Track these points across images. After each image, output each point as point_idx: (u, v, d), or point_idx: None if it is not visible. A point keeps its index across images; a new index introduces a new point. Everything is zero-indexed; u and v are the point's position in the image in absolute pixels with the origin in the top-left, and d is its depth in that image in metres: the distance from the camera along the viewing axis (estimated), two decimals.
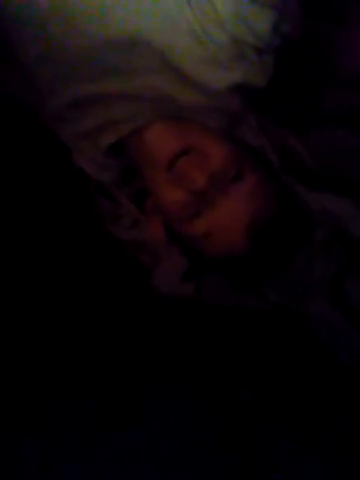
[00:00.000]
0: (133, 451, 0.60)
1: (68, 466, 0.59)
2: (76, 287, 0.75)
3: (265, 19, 0.61)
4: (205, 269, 0.73)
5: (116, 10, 0.60)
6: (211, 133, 0.65)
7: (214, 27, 0.60)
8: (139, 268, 0.75)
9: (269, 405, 0.64)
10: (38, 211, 0.79)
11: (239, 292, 0.72)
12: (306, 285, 0.70)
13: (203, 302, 0.72)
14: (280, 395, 0.65)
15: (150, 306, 0.74)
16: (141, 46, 0.61)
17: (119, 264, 0.76)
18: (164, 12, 0.60)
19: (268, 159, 0.69)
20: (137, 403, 0.64)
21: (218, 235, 0.64)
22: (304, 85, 0.67)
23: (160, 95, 0.64)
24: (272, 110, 0.69)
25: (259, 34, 0.61)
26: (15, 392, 0.64)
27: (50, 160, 0.78)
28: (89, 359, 0.67)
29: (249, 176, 0.64)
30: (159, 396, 0.65)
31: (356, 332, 0.68)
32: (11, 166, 0.78)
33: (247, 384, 0.66)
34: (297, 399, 0.64)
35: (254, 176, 0.64)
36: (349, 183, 0.69)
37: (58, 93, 0.66)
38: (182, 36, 0.61)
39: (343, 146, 0.69)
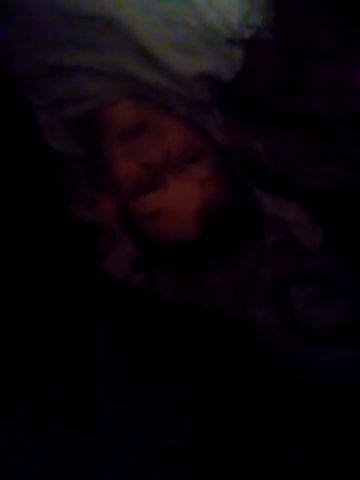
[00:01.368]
0: None
1: None
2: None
3: (235, 8, 0.61)
4: (155, 257, 0.75)
5: None
6: (173, 115, 0.65)
7: (186, 12, 0.61)
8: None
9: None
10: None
11: (188, 286, 0.74)
12: (251, 287, 0.71)
13: (155, 294, 0.74)
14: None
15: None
16: (113, 25, 0.61)
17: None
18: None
19: (228, 153, 0.69)
20: None
21: (166, 217, 0.65)
22: (272, 85, 0.64)
23: (128, 74, 0.63)
24: (237, 106, 0.68)
25: (229, 23, 0.61)
26: None
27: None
28: None
29: (206, 163, 0.64)
30: None
31: (291, 337, 0.69)
32: None
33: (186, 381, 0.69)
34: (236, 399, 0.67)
35: (210, 163, 0.65)
36: (302, 189, 0.68)
37: (24, 58, 0.65)
38: (154, 18, 0.61)
39: (303, 152, 0.66)
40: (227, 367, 0.69)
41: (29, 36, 0.64)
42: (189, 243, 0.65)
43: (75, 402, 0.63)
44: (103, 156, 0.69)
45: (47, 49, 0.64)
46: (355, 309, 0.68)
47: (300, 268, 0.69)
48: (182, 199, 0.63)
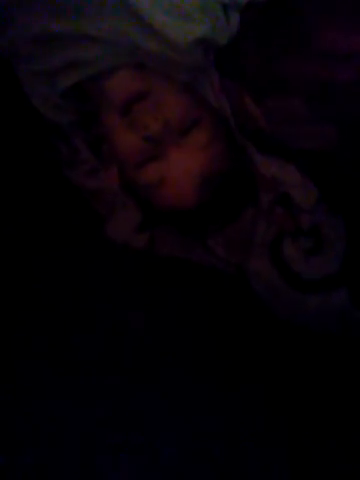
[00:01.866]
0: None
1: None
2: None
3: None
4: (158, 221, 0.78)
5: None
6: (171, 82, 0.65)
7: None
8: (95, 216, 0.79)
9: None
10: None
11: (189, 245, 0.78)
12: (249, 244, 0.76)
13: (155, 253, 0.78)
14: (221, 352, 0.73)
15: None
16: None
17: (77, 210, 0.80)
18: None
19: (225, 118, 0.70)
20: None
21: (169, 185, 0.67)
22: (266, 50, 0.65)
23: (125, 41, 0.63)
24: (232, 70, 0.69)
25: None
26: None
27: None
28: None
29: (204, 129, 0.66)
30: None
31: (292, 291, 0.75)
32: None
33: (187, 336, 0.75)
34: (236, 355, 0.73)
35: (209, 130, 0.66)
36: (297, 151, 0.71)
37: (16, 25, 0.64)
38: None
39: (296, 115, 0.69)
40: (227, 320, 0.74)
41: (22, 3, 0.62)
42: (192, 207, 0.68)
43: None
44: (102, 125, 0.70)
45: (41, 16, 0.62)
46: (345, 256, 0.74)
47: (294, 224, 0.74)
48: (183, 167, 0.65)
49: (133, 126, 0.63)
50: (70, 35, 0.63)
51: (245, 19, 0.64)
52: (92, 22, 0.62)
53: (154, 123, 0.62)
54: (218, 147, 0.67)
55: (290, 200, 0.73)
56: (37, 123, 0.76)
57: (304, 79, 0.66)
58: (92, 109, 0.71)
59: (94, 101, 0.69)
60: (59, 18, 0.62)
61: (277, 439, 0.65)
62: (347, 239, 0.72)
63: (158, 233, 0.78)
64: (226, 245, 0.76)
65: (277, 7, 0.63)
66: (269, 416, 0.69)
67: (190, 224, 0.74)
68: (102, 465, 0.62)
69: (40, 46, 0.65)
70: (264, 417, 0.69)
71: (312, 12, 0.63)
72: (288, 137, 0.71)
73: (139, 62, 0.65)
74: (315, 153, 0.71)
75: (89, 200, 0.79)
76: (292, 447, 0.65)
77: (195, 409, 0.67)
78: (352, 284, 0.73)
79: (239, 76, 0.69)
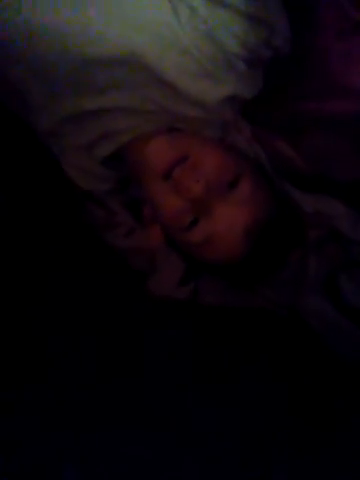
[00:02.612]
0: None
1: None
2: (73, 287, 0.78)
3: (256, 33, 0.61)
4: (202, 272, 0.76)
5: (108, 29, 0.61)
6: (206, 142, 0.67)
7: (208, 44, 0.61)
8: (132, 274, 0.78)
9: (272, 400, 0.71)
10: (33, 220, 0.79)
11: (236, 291, 0.77)
12: (301, 283, 0.74)
13: (198, 304, 0.77)
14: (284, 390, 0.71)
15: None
16: (134, 62, 0.61)
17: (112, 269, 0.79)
18: (155, 29, 0.61)
19: (261, 164, 0.71)
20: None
21: (217, 241, 0.66)
22: (293, 93, 0.64)
23: (157, 108, 0.65)
24: (263, 118, 0.70)
25: (250, 48, 0.62)
26: None
27: (42, 173, 0.76)
28: None
29: (245, 182, 0.66)
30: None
31: (352, 326, 0.73)
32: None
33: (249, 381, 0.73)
34: (300, 394, 0.72)
35: (250, 181, 0.66)
36: (338, 185, 0.70)
37: (51, 109, 0.66)
38: (172, 51, 0.61)
39: (331, 150, 0.68)
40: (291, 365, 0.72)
41: (54, 90, 0.64)
42: (239, 260, 0.68)
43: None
44: (142, 189, 0.71)
45: (70, 96, 0.64)
46: None
47: (346, 257, 0.72)
48: (230, 222, 0.65)
49: (176, 190, 0.64)
50: (102, 109, 0.65)
51: (270, 69, 0.64)
52: (123, 95, 0.64)
53: (196, 185, 0.63)
54: (260, 196, 0.66)
55: (339, 233, 0.71)
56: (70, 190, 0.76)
57: (334, 116, 0.64)
58: (128, 173, 0.70)
59: (131, 165, 0.70)
60: (89, 95, 0.64)
61: None
62: None
63: (202, 283, 0.76)
64: (277, 288, 0.75)
65: (299, 55, 0.62)
66: None
67: (236, 273, 0.72)
68: None
69: (72, 123, 0.66)
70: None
71: (338, 51, 0.61)
72: (328, 171, 0.69)
73: (172, 126, 0.66)
74: (357, 183, 0.69)
75: (126, 259, 0.78)
76: None
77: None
78: None
79: (268, 122, 0.68)
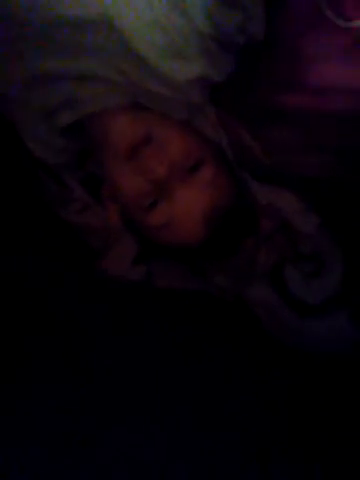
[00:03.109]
0: None
1: None
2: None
3: (232, 18, 0.61)
4: (156, 253, 0.77)
5: None
6: (172, 123, 0.65)
7: (180, 19, 0.60)
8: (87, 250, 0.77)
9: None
10: None
11: (187, 275, 0.78)
12: (249, 271, 0.76)
13: (151, 285, 0.77)
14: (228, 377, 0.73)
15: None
16: (108, 29, 0.59)
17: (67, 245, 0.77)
18: (134, 3, 0.59)
19: (223, 151, 0.71)
20: None
21: (175, 225, 0.67)
22: (261, 84, 0.65)
23: (124, 80, 0.63)
24: (228, 104, 0.70)
25: (224, 31, 0.61)
26: None
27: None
28: None
29: (207, 166, 0.66)
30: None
31: (289, 311, 0.76)
32: None
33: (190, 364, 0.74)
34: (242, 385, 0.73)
35: (212, 167, 0.66)
36: (295, 179, 0.72)
37: (14, 69, 0.63)
38: (148, 25, 0.60)
39: (289, 144, 0.70)
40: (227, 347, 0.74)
41: (23, 48, 0.61)
42: (196, 244, 0.68)
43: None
44: (94, 162, 0.70)
45: (38, 55, 0.61)
46: (344, 280, 0.76)
47: (294, 249, 0.75)
48: (190, 206, 0.65)
49: (139, 170, 0.63)
50: (68, 73, 0.62)
51: (241, 56, 0.64)
52: (91, 61, 0.61)
53: (160, 166, 0.62)
54: (222, 182, 0.67)
55: (290, 227, 0.74)
56: (23, 162, 0.73)
57: (301, 111, 0.66)
58: (88, 147, 0.69)
59: (93, 139, 0.67)
60: (56, 57, 0.61)
61: None
62: (345, 261, 0.74)
63: (155, 265, 0.77)
64: (226, 274, 0.76)
65: (272, 45, 0.63)
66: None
67: (190, 257, 0.73)
68: None
69: (36, 86, 0.64)
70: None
71: (307, 46, 0.63)
72: (286, 166, 0.72)
73: (138, 103, 0.64)
74: (314, 180, 0.71)
75: (80, 235, 0.77)
76: None
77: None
78: (353, 306, 0.74)
79: (234, 109, 0.69)
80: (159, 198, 0.65)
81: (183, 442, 0.65)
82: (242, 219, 0.71)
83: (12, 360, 0.67)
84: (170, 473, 0.61)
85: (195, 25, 0.60)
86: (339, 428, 0.72)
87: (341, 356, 0.75)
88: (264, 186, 0.73)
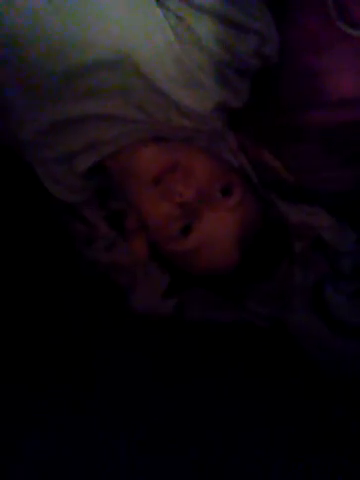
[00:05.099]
0: None
1: None
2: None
3: (246, 42, 0.61)
4: (187, 285, 0.74)
5: (101, 33, 0.60)
6: (195, 149, 0.66)
7: (195, 50, 0.61)
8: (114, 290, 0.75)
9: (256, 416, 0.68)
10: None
11: (221, 306, 0.74)
12: (287, 295, 0.72)
13: (182, 319, 0.74)
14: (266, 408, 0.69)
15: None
16: (126, 67, 0.60)
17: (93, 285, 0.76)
18: (148, 36, 0.60)
19: (247, 175, 0.71)
20: None
21: (207, 250, 0.64)
22: (279, 104, 0.64)
23: (145, 117, 0.63)
24: (248, 128, 0.70)
25: (240, 57, 0.62)
26: None
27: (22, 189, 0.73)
28: None
29: (235, 190, 0.65)
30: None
31: (337, 339, 0.72)
32: None
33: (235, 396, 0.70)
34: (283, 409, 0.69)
35: (240, 190, 0.65)
36: (325, 195, 0.69)
37: (34, 116, 0.64)
38: (165, 58, 0.60)
39: (317, 160, 0.68)
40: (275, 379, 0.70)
41: (39, 97, 0.61)
42: (230, 270, 0.65)
43: None
44: (117, 199, 0.69)
45: (58, 104, 0.62)
46: None
47: (333, 268, 0.71)
48: (220, 230, 0.63)
49: (166, 195, 0.62)
50: (88, 117, 0.63)
51: (258, 78, 0.65)
52: (110, 102, 0.62)
53: (187, 189, 0.61)
54: (250, 205, 0.65)
55: (325, 244, 0.71)
56: (47, 205, 0.73)
57: (319, 127, 0.65)
58: (110, 184, 0.68)
59: (114, 175, 0.68)
60: (76, 102, 0.62)
61: None
62: None
63: (187, 297, 0.74)
64: (263, 300, 0.73)
65: (287, 64, 0.63)
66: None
67: (224, 285, 0.70)
68: None
69: (55, 133, 0.63)
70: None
71: (321, 61, 0.62)
72: (313, 183, 0.70)
73: (158, 134, 0.65)
74: (343, 194, 0.69)
75: (107, 275, 0.75)
76: None
77: None
78: None
79: (255, 132, 0.68)
80: (189, 222, 0.63)
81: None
82: (274, 241, 0.69)
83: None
84: None
85: (211, 55, 0.61)
86: None
87: None
88: (294, 205, 0.71)
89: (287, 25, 0.62)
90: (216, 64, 0.61)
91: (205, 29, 0.60)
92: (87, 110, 0.62)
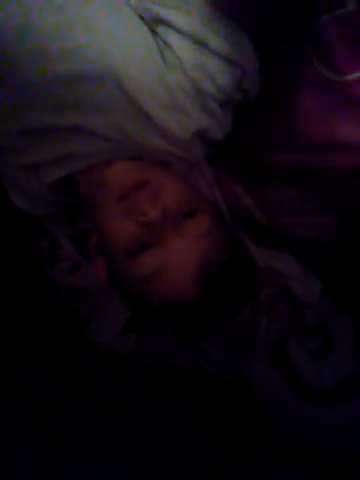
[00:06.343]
0: None
1: None
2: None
3: (227, 73, 0.62)
4: (147, 321, 0.70)
5: (89, 47, 0.59)
6: (168, 172, 0.64)
7: (180, 75, 0.61)
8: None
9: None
10: None
11: (181, 349, 0.70)
12: (249, 344, 0.68)
13: (143, 359, 0.69)
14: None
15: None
16: (110, 84, 0.60)
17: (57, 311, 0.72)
18: (134, 54, 0.60)
19: (219, 209, 0.69)
20: None
21: (166, 276, 0.61)
22: (257, 142, 0.65)
23: (123, 137, 0.62)
24: (225, 163, 0.69)
25: (220, 86, 0.62)
26: None
27: None
28: None
29: (202, 216, 0.63)
30: None
31: (294, 396, 0.66)
32: None
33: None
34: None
35: (207, 217, 0.63)
36: (296, 241, 0.67)
37: (10, 119, 0.62)
38: (151, 78, 0.60)
39: (291, 203, 0.67)
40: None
41: (18, 99, 0.61)
42: (189, 302, 0.62)
43: None
44: (91, 218, 0.66)
45: (36, 110, 0.61)
46: (355, 361, 0.66)
47: (297, 321, 0.67)
48: (182, 257, 0.60)
49: (131, 213, 0.60)
50: (65, 129, 0.62)
51: (238, 114, 0.65)
52: (89, 116, 0.61)
53: (152, 209, 0.59)
54: (216, 236, 0.63)
55: (292, 294, 0.67)
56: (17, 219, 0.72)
57: (299, 169, 0.65)
58: (79, 200, 0.67)
59: (84, 191, 0.65)
60: (55, 111, 0.61)
61: None
62: (356, 334, 0.65)
63: (146, 336, 0.70)
64: (223, 347, 0.68)
65: (268, 103, 0.64)
66: None
67: (183, 322, 0.66)
68: None
69: (29, 139, 0.62)
70: None
71: (302, 103, 0.63)
72: (285, 227, 0.68)
73: (136, 155, 0.63)
74: (315, 242, 0.67)
75: (69, 300, 0.72)
76: None
77: None
78: None
79: (232, 168, 0.68)
80: (149, 244, 0.60)
81: None
82: (239, 281, 0.66)
83: None
84: None
85: (193, 81, 0.61)
86: None
87: None
88: (262, 248, 0.69)
89: (270, 63, 0.63)
90: (199, 92, 0.61)
91: (189, 56, 0.61)
92: (66, 122, 0.60)
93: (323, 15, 0.63)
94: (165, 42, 0.61)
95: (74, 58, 0.59)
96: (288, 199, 0.67)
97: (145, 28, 0.60)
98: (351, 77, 0.60)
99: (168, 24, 0.59)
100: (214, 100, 0.63)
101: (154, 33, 0.61)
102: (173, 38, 0.60)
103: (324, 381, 0.65)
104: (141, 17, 0.60)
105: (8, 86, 0.60)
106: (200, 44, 0.60)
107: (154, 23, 0.60)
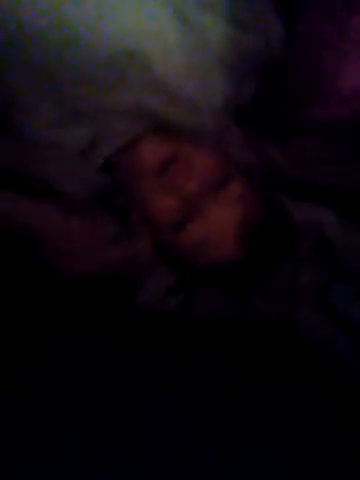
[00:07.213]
0: None
1: None
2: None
3: (252, 41, 0.63)
4: (193, 282, 0.74)
5: (115, 29, 0.60)
6: (199, 142, 0.66)
7: (202, 47, 0.62)
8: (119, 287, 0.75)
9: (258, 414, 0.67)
10: None
11: (228, 304, 0.74)
12: (293, 294, 0.72)
13: (187, 316, 0.74)
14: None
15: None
16: (137, 61, 0.61)
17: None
18: (158, 35, 0.61)
19: (252, 170, 0.70)
20: None
21: (210, 243, 0.65)
22: (284, 100, 0.65)
23: (153, 113, 0.64)
24: (254, 123, 0.70)
25: (246, 54, 0.63)
26: None
27: None
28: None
29: (236, 181, 0.65)
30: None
31: (342, 337, 0.70)
32: None
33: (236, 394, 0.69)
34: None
35: (241, 182, 0.66)
36: (327, 191, 0.69)
37: (45, 107, 0.63)
38: (174, 54, 0.62)
39: (319, 156, 0.68)
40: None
41: (43, 85, 0.62)
42: (234, 263, 0.65)
43: None
44: (131, 195, 0.68)
45: (70, 94, 0.62)
46: None
47: (338, 267, 0.71)
48: (223, 223, 0.63)
49: (169, 188, 0.63)
50: (98, 109, 0.63)
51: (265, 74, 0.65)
52: (121, 96, 0.63)
53: (188, 182, 0.62)
54: (251, 198, 0.66)
55: (330, 242, 0.70)
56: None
57: (322, 121, 0.65)
58: (118, 179, 0.69)
59: (122, 169, 0.68)
60: (85, 93, 0.62)
61: None
62: None
63: (192, 295, 0.74)
64: (268, 298, 0.72)
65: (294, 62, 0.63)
66: None
67: (229, 282, 0.70)
68: None
69: (66, 126, 0.64)
70: None
71: (328, 59, 0.62)
72: (317, 178, 0.69)
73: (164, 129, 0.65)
74: (348, 192, 0.68)
75: (112, 275, 0.75)
76: None
77: None
78: None
79: (259, 125, 0.68)
80: (190, 216, 0.63)
81: None
82: (278, 237, 0.68)
83: None
84: None
85: (220, 54, 0.62)
86: None
87: None
88: (299, 202, 0.71)
89: (293, 24, 0.63)
90: (222, 60, 0.62)
91: (212, 28, 0.61)
92: (98, 103, 0.62)
93: None
94: (186, 17, 0.61)
95: (102, 42, 0.60)
96: (319, 151, 0.68)
97: (164, 6, 0.60)
98: None
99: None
100: (239, 67, 0.64)
101: (173, 8, 0.61)
102: (193, 12, 0.61)
103: None
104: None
105: (37, 77, 0.61)
106: (221, 15, 0.61)
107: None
